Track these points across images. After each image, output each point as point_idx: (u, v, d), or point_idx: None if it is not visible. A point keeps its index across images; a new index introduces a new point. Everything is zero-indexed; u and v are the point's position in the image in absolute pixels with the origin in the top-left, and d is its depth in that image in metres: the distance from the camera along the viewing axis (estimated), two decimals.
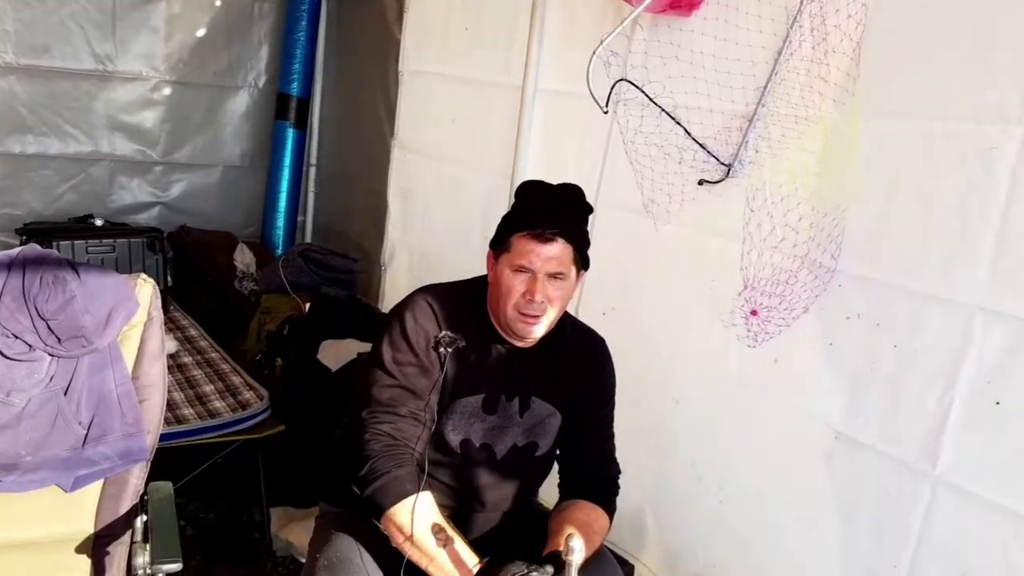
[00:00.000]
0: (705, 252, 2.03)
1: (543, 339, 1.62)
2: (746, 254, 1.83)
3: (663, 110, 1.95)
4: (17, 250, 1.53)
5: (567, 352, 1.66)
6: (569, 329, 1.69)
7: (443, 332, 1.56)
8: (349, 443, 1.65)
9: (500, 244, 1.57)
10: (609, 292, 2.35)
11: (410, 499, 1.46)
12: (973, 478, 1.50)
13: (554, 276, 1.51)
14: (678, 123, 1.94)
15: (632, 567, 2.24)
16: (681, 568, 2.15)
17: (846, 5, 1.68)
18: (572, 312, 2.38)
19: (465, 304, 1.61)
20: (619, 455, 1.74)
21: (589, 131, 2.38)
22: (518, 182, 2.70)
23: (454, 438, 1.60)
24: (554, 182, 1.61)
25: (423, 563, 1.47)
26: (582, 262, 1.57)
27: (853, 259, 1.69)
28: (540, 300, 1.51)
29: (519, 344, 1.61)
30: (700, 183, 2.00)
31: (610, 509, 1.65)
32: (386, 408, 1.54)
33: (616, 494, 1.69)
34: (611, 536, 2.08)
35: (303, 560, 2.60)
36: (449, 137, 3.17)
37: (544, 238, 1.50)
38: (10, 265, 1.49)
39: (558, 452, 1.72)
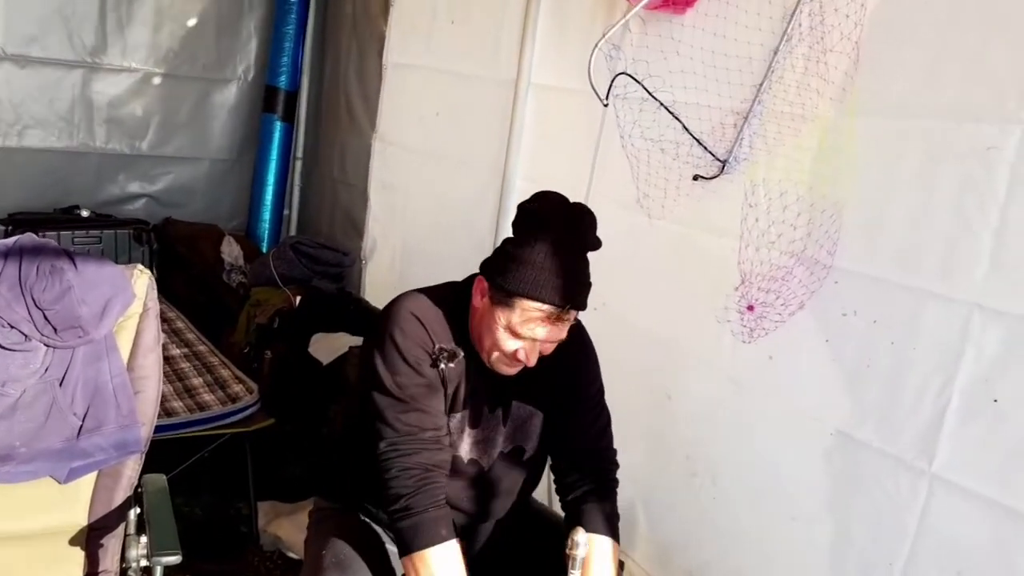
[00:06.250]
0: (699, 247, 2.04)
1: None
2: (743, 249, 1.84)
3: (662, 104, 1.96)
4: (13, 239, 1.51)
5: None
6: None
7: (438, 346, 1.46)
8: (342, 448, 1.61)
9: (500, 292, 1.40)
10: (600, 287, 2.29)
11: (439, 547, 1.39)
12: (970, 476, 1.50)
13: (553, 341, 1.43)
14: (676, 118, 1.94)
15: (622, 563, 2.24)
16: (673, 565, 2.16)
17: (845, 4, 1.69)
18: None
19: (449, 316, 1.50)
20: None
21: (580, 126, 2.38)
22: (510, 178, 2.72)
23: None
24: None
25: None
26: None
27: (850, 256, 1.70)
28: (532, 364, 1.43)
29: None
30: (695, 178, 2.00)
31: (615, 526, 1.56)
32: (407, 436, 1.43)
33: (615, 490, 1.62)
34: None
35: (291, 555, 2.60)
36: (433, 131, 3.17)
37: (559, 319, 1.37)
38: (7, 254, 1.48)
39: (550, 451, 1.65)
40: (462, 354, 1.48)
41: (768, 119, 1.85)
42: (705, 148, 1.95)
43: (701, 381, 2.05)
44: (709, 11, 1.94)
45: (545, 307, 1.36)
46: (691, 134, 1.95)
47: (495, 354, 1.45)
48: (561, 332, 1.41)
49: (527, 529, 1.68)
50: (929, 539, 1.57)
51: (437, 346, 1.46)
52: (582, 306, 1.42)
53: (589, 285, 1.45)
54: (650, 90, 1.98)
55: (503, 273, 1.40)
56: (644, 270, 2.21)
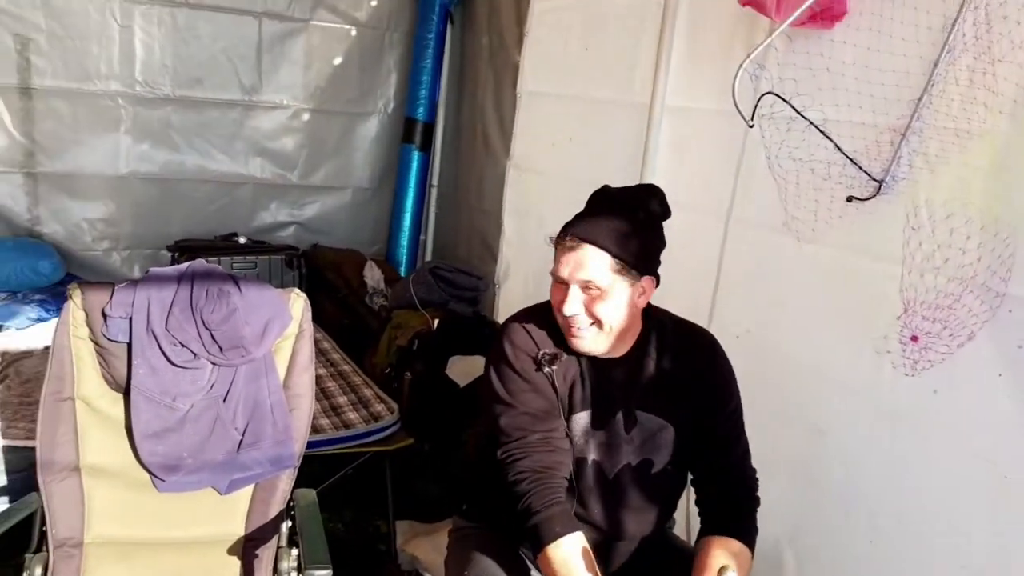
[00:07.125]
0: (854, 272, 1.92)
1: (641, 346, 1.54)
2: (906, 275, 1.72)
3: (812, 123, 1.87)
4: (186, 264, 1.63)
5: (671, 357, 1.55)
6: (671, 333, 1.58)
7: (541, 351, 1.51)
8: (477, 469, 1.63)
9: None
10: (743, 313, 2.26)
11: (553, 545, 1.40)
12: None
13: (585, 287, 1.44)
14: (827, 137, 1.86)
15: None
16: None
17: (1016, 11, 1.56)
18: None
19: (554, 323, 1.54)
20: None
21: (719, 147, 2.33)
22: None
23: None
24: (669, 193, 1.56)
25: None
26: (635, 269, 1.45)
27: None
28: (570, 314, 1.44)
29: (609, 355, 1.53)
30: (849, 200, 1.90)
31: (750, 535, 1.52)
32: (517, 440, 1.49)
33: (755, 507, 1.57)
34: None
35: (427, 575, 2.64)
36: (566, 157, 3.18)
37: (567, 246, 1.45)
38: (180, 278, 1.60)
39: (691, 468, 1.62)
40: (564, 356, 1.52)
41: (929, 136, 1.74)
42: (859, 167, 1.84)
43: (856, 415, 1.92)
44: (860, 25, 1.85)
45: (562, 237, 1.47)
46: (844, 153, 1.86)
47: (559, 319, 1.49)
48: (581, 261, 1.43)
49: (666, 560, 1.62)
50: None
51: (541, 352, 1.51)
52: (597, 232, 1.44)
53: (628, 236, 1.45)
54: (799, 109, 1.90)
55: None
56: (792, 296, 2.11)
